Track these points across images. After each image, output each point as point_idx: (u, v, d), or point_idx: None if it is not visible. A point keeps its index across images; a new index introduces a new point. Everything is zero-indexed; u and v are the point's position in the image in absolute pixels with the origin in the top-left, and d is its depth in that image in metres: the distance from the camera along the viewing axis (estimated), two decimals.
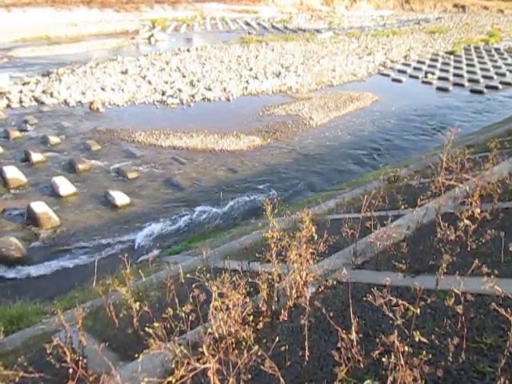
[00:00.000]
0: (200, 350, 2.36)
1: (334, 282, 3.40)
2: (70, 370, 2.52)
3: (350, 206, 7.31)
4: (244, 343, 2.58)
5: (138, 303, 3.35)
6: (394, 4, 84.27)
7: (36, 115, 21.79)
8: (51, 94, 24.96)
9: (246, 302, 2.93)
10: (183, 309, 2.67)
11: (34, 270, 10.30)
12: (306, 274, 3.37)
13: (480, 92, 26.56)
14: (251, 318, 2.87)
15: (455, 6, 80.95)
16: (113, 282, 3.74)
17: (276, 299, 3.34)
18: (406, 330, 2.43)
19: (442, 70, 31.63)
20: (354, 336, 2.43)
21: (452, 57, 36.29)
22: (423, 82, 29.21)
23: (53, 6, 65.00)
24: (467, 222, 3.62)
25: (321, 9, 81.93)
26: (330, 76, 30.14)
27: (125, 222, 12.44)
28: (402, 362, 2.07)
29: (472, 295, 2.60)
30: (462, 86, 27.94)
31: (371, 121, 21.68)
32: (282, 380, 2.31)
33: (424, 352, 2.15)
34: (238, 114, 22.07)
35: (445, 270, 2.72)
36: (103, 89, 26.07)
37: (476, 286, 2.81)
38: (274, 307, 3.31)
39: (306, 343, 2.58)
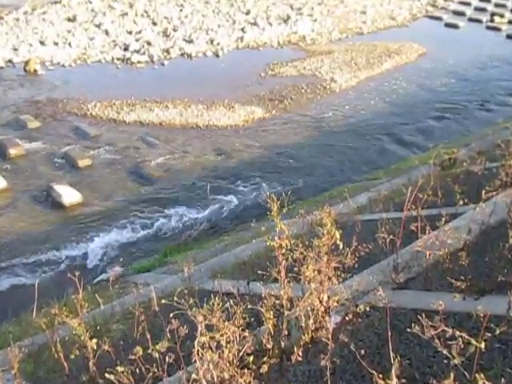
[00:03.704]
0: None
1: (367, 308, 3.40)
2: None
3: (389, 202, 7.30)
4: None
5: (95, 340, 3.36)
6: None
7: None
8: None
9: (244, 337, 2.94)
10: (158, 347, 2.68)
11: None
12: (328, 298, 3.37)
13: None
14: (252, 358, 2.89)
15: None
16: (60, 312, 3.75)
17: (286, 333, 3.35)
18: (465, 373, 2.43)
19: None
20: (394, 381, 2.44)
21: None
22: (488, 28, 29.05)
23: None
24: None
25: None
26: (358, 20, 29.97)
27: (75, 228, 12.44)
28: None
29: None
30: None
31: (416, 83, 21.57)
32: None
33: None
34: (230, 76, 21.98)
35: None
36: (43, 43, 25.97)
37: None
38: (283, 343, 3.32)
39: None
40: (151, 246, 11.78)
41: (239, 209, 13.18)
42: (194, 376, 2.68)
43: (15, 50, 25.20)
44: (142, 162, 15.38)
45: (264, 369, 3.04)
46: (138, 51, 25.05)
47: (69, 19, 30.00)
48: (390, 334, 2.91)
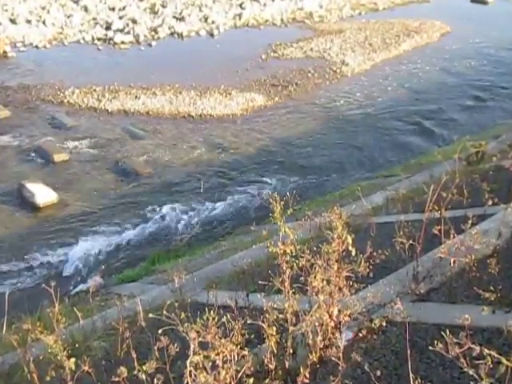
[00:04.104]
0: None
1: (383, 323, 3.40)
2: None
3: (408, 202, 7.30)
4: None
5: (73, 360, 3.36)
6: None
7: None
8: None
9: (243, 357, 2.94)
10: (145, 368, 2.68)
11: None
12: (339, 311, 3.37)
13: None
14: (252, 380, 2.89)
15: None
16: (33, 327, 3.75)
17: (291, 351, 3.34)
18: None
19: None
20: None
21: None
22: None
23: None
24: None
25: None
26: None
27: (50, 232, 12.43)
28: None
29: None
30: None
31: (439, 65, 21.56)
32: None
33: None
34: (227, 58, 21.97)
35: None
36: (13, 21, 25.96)
37: None
38: (287, 363, 3.32)
39: None
40: (137, 252, 11.78)
41: (237, 210, 13.17)
42: None
43: None
44: (127, 157, 15.38)
45: None
46: (121, 30, 25.05)
47: None
48: (409, 352, 2.91)
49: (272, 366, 3.24)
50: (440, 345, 2.45)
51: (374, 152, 15.58)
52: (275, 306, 3.31)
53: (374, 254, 3.72)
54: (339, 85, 19.94)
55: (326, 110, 18.13)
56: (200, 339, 2.76)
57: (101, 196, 13.78)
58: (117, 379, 2.73)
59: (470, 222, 4.29)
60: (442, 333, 2.59)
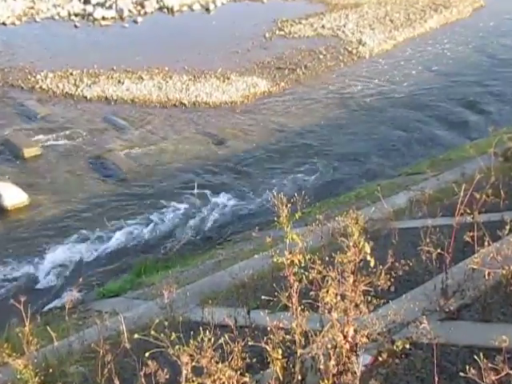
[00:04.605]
0: None
1: (407, 345, 3.39)
2: None
3: (435, 205, 7.28)
4: None
5: None
6: None
7: None
8: None
9: (244, 383, 2.93)
10: None
11: None
12: (355, 331, 3.37)
13: None
14: None
15: None
16: (1, 349, 3.76)
17: (299, 378, 3.34)
18: None
19: None
20: None
21: None
22: None
23: None
24: None
25: None
26: None
27: (20, 239, 12.42)
28: None
29: None
30: None
31: (472, 45, 21.51)
32: None
33: None
34: (225, 37, 21.95)
35: None
36: None
37: None
38: None
39: None
40: (120, 262, 11.76)
41: (237, 213, 13.15)
42: None
43: None
44: (108, 152, 15.36)
45: None
46: (102, 4, 25.05)
47: None
48: (436, 379, 2.90)
49: None
50: (473, 370, 2.44)
51: (395, 145, 15.53)
52: (281, 325, 3.31)
53: (396, 264, 3.72)
54: (355, 68, 19.92)
55: (340, 96, 18.09)
56: (193, 364, 2.75)
57: (78, 197, 13.76)
58: None
59: (507, 227, 4.28)
60: (475, 356, 2.58)
